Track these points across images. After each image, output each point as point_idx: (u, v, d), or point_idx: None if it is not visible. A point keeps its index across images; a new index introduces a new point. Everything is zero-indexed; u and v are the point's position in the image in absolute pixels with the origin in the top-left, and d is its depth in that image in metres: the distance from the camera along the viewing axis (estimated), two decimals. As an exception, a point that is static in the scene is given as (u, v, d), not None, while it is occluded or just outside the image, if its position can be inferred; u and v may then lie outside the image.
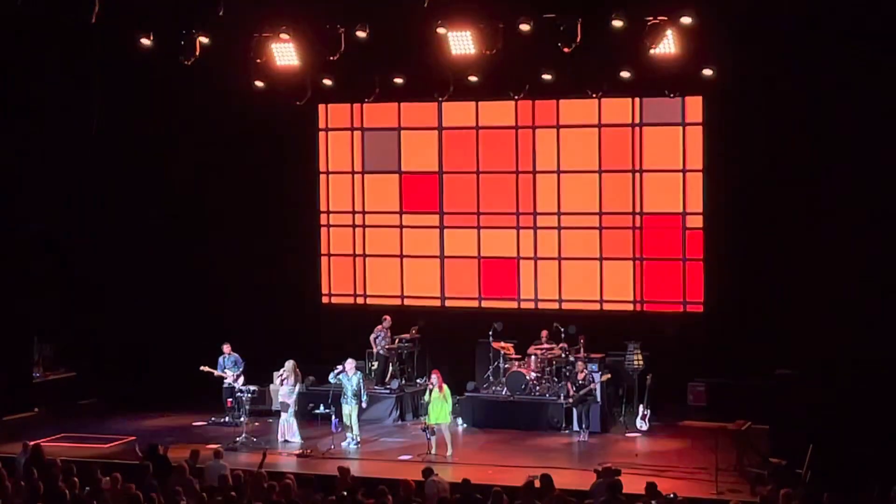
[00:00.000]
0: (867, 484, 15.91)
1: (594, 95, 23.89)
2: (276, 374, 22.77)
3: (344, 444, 21.93)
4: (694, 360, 24.23)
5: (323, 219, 26.97)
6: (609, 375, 23.37)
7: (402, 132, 26.41)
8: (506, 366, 24.15)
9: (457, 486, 16.43)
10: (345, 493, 15.64)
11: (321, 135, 26.85)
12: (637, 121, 24.83)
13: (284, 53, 22.33)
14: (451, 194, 26.18)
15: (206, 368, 23.46)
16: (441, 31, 21.35)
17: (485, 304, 26.02)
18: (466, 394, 24.05)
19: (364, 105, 26.03)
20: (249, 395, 22.94)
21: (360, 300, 26.82)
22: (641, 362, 23.55)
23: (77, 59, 24.70)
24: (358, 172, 26.73)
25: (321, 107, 26.54)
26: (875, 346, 20.25)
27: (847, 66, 21.14)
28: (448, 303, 26.27)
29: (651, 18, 20.53)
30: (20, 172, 25.00)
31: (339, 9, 21.71)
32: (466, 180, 26.07)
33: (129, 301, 26.41)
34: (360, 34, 21.52)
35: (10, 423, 24.19)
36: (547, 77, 22.93)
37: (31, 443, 18.83)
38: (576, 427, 22.67)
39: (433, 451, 21.10)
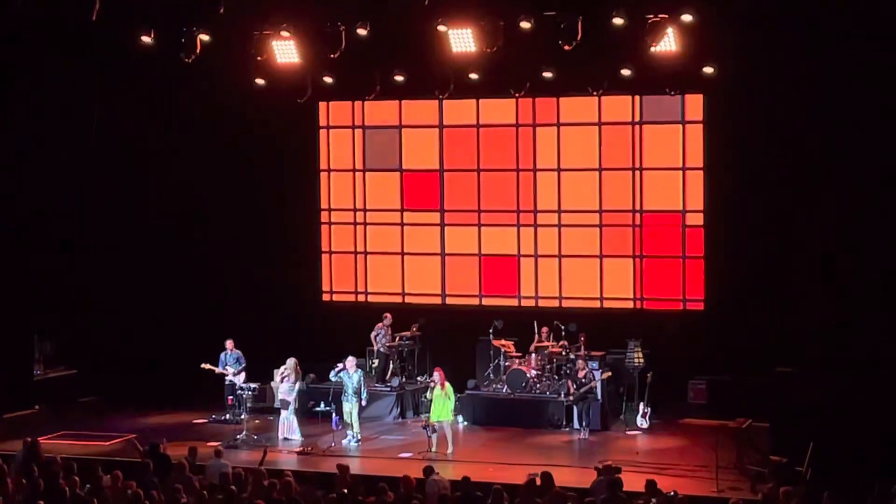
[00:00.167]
0: (867, 482, 15.91)
1: (595, 93, 23.88)
2: (276, 371, 22.76)
3: (344, 441, 21.94)
4: (694, 357, 24.22)
5: (324, 216, 26.97)
6: (609, 373, 23.36)
7: (403, 130, 26.41)
8: (506, 364, 24.15)
9: (457, 484, 16.43)
10: (345, 492, 15.64)
11: (322, 132, 26.85)
12: (637, 119, 24.83)
13: (285, 51, 22.33)
14: (452, 192, 26.18)
15: (207, 366, 23.46)
16: (441, 28, 21.35)
17: (485, 301, 26.03)
18: (467, 391, 24.06)
19: (365, 103, 26.04)
20: (250, 393, 22.96)
21: (360, 298, 26.83)
22: (642, 360, 23.55)
23: (77, 56, 24.68)
24: (359, 170, 26.73)
25: (322, 104, 26.54)
26: (875, 343, 20.26)
27: (848, 64, 21.13)
28: (449, 300, 26.27)
29: (651, 16, 20.51)
30: (20, 170, 24.98)
31: (339, 6, 21.71)
32: (467, 178, 26.07)
33: (130, 299, 26.41)
34: (361, 32, 21.53)
35: (10, 420, 24.22)
36: (547, 75, 22.92)
37: (28, 439, 18.79)
38: (576, 425, 22.69)
39: (434, 449, 21.11)
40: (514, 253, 25.80)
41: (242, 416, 22.58)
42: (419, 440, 21.74)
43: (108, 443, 22.19)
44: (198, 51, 21.84)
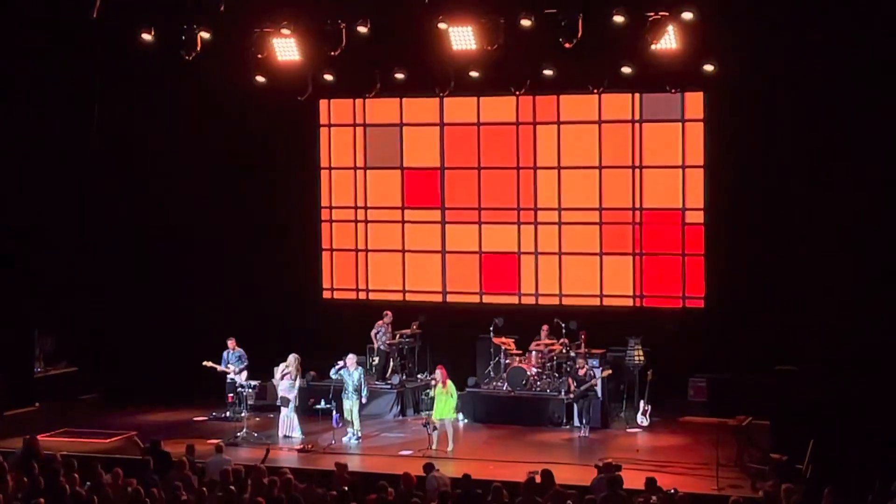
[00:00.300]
0: (868, 479, 15.91)
1: (595, 91, 23.88)
2: (277, 368, 22.75)
3: (345, 439, 21.95)
4: (695, 355, 24.23)
5: (325, 214, 26.97)
6: (610, 371, 23.37)
7: (404, 128, 26.41)
8: (506, 361, 24.16)
9: (458, 482, 16.43)
10: (346, 489, 15.64)
11: (323, 130, 26.85)
12: (637, 117, 24.83)
13: (285, 49, 22.33)
14: (453, 190, 26.18)
15: (210, 363, 23.45)
16: (442, 26, 21.36)
17: (486, 299, 26.03)
18: (467, 389, 24.05)
19: (366, 101, 26.03)
20: (250, 391, 22.98)
21: (362, 295, 26.83)
22: (642, 358, 23.55)
23: (78, 54, 24.68)
24: (360, 168, 26.74)
25: (323, 102, 26.54)
26: (876, 341, 20.24)
27: (849, 61, 21.11)
28: (449, 297, 26.27)
29: (652, 14, 20.52)
30: (20, 167, 24.98)
31: (340, 4, 21.72)
32: (468, 176, 26.07)
33: (130, 296, 26.42)
34: (362, 29, 21.55)
35: (11, 418, 24.22)
36: (548, 72, 22.92)
37: (27, 437, 18.79)
38: (576, 422, 22.69)
39: (434, 447, 21.11)
40: (514, 250, 25.81)
41: (243, 414, 22.60)
42: (419, 438, 21.74)
43: (108, 440, 22.19)
44: (198, 48, 21.86)
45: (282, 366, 22.53)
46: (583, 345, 23.56)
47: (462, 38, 21.42)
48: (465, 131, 26.00)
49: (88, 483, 16.15)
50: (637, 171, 24.91)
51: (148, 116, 25.78)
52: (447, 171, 26.21)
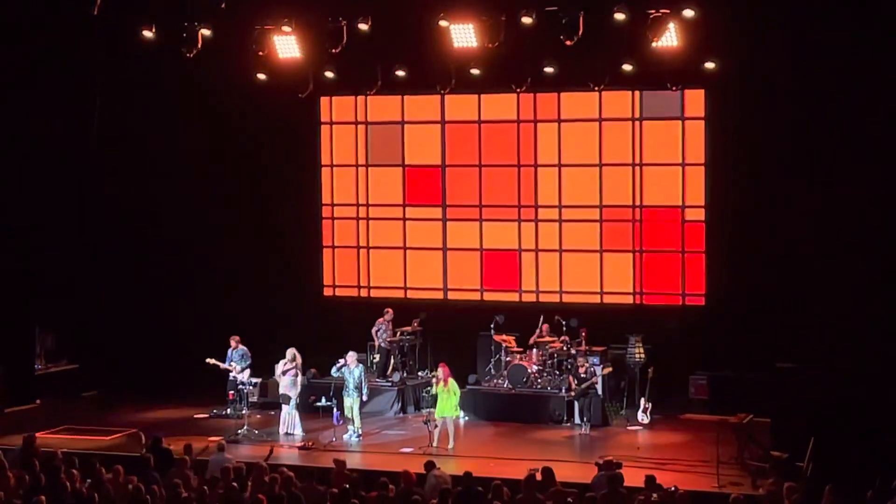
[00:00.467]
0: (868, 477, 15.91)
1: (596, 88, 23.87)
2: (277, 365, 22.73)
3: (345, 436, 21.95)
4: (695, 353, 24.23)
5: (326, 211, 26.97)
6: (610, 368, 23.37)
7: (406, 126, 26.41)
8: (507, 359, 24.16)
9: (458, 479, 16.42)
10: (347, 487, 15.64)
11: (324, 128, 26.85)
12: (637, 115, 24.83)
13: (286, 46, 22.34)
14: (454, 187, 26.19)
15: (213, 361, 23.44)
16: (443, 23, 21.36)
17: (486, 296, 26.03)
18: (468, 387, 24.04)
19: (367, 98, 26.03)
20: (251, 388, 22.97)
21: (363, 292, 26.83)
22: (643, 355, 23.57)
23: (79, 51, 24.67)
24: (362, 165, 26.74)
25: (324, 100, 26.53)
26: (876, 338, 20.24)
27: (850, 58, 21.11)
28: (450, 295, 26.27)
29: (653, 11, 20.54)
30: (21, 164, 24.96)
31: (340, 1, 21.74)
32: (469, 173, 26.08)
33: (131, 293, 26.43)
34: (362, 27, 21.55)
35: (12, 415, 24.22)
36: (549, 70, 22.90)
37: (25, 434, 18.78)
38: (577, 420, 22.69)
39: (435, 444, 21.11)
40: (515, 248, 25.82)
41: (244, 411, 22.60)
42: (420, 435, 21.75)
43: (109, 437, 22.20)
44: (199, 46, 21.87)
45: (281, 362, 22.52)
46: (583, 342, 23.56)
47: (463, 35, 21.43)
48: (467, 129, 26.00)
49: (89, 480, 16.15)
50: (637, 168, 24.92)
51: (148, 114, 25.77)
52: (448, 168, 26.22)
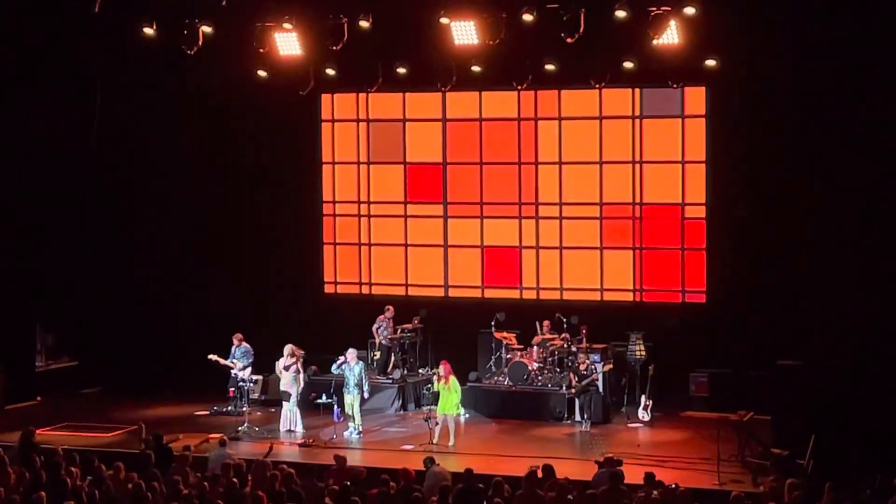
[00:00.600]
0: (869, 475, 15.92)
1: (597, 86, 23.87)
2: (278, 362, 22.73)
3: (346, 433, 21.96)
4: (696, 350, 24.22)
5: (328, 208, 26.96)
6: (611, 366, 23.37)
7: (407, 123, 26.41)
8: (508, 356, 24.17)
9: (459, 476, 16.41)
10: (347, 483, 15.64)
11: (326, 125, 26.84)
12: (638, 113, 24.83)
13: (287, 43, 22.33)
14: (455, 185, 26.19)
15: (215, 357, 23.42)
16: (444, 20, 21.36)
17: (487, 293, 26.04)
18: (468, 384, 24.05)
19: (369, 95, 26.03)
20: (252, 385, 22.97)
21: (364, 289, 26.83)
22: (643, 352, 23.57)
23: (79, 51, 24.68)
24: (363, 163, 26.74)
25: (325, 97, 26.53)
26: (877, 336, 20.24)
27: (851, 56, 21.11)
28: (451, 292, 26.27)
29: (654, 9, 20.53)
30: (22, 162, 24.97)
31: (341, -2, 21.75)
32: (470, 171, 26.09)
33: (132, 290, 26.44)
34: (363, 24, 21.55)
35: (12, 412, 24.24)
36: (550, 67, 22.91)
37: (23, 430, 18.78)
38: (578, 417, 22.69)
39: (435, 441, 21.12)
40: (515, 245, 25.83)
41: (244, 408, 22.61)
42: (421, 432, 21.76)
43: (109, 434, 22.21)
44: (200, 43, 21.87)
45: (281, 360, 22.52)
46: (584, 339, 23.56)
47: (464, 32, 21.43)
48: (468, 127, 26.01)
49: (90, 477, 16.15)
50: (638, 166, 24.92)
51: (149, 111, 25.78)
52: (449, 165, 26.22)
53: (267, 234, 26.62)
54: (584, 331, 23.62)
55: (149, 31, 22.12)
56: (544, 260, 25.67)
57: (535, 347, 23.95)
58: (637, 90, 24.69)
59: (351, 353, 22.17)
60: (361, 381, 22.01)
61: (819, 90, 21.83)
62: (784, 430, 19.36)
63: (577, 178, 25.40)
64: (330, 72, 23.81)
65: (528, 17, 20.86)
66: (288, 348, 22.47)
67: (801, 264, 22.55)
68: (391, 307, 24.90)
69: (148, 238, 26.42)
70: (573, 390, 22.86)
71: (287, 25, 21.90)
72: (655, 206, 24.91)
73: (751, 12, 21.40)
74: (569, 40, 20.55)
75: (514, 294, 25.86)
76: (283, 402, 22.46)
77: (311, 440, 21.64)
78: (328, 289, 27.05)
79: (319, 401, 22.55)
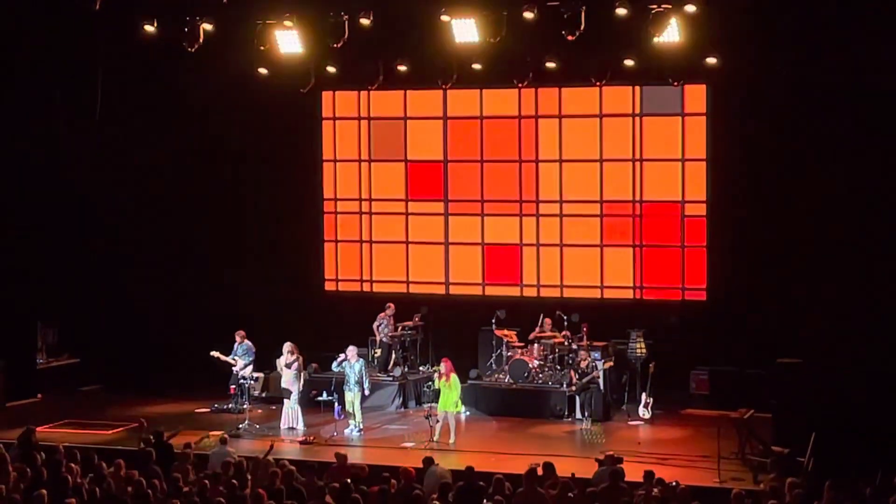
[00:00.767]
0: (869, 473, 15.92)
1: (598, 84, 23.86)
2: (278, 360, 22.72)
3: (347, 431, 21.97)
4: (696, 348, 24.23)
5: (328, 206, 26.97)
6: (612, 363, 23.38)
7: (407, 121, 26.42)
8: (508, 354, 24.17)
9: (460, 474, 16.43)
10: (348, 481, 15.65)
11: (327, 123, 26.85)
12: (638, 110, 24.84)
13: (288, 41, 22.30)
14: (456, 182, 26.20)
15: (216, 354, 23.40)
16: (445, 18, 21.34)
17: (488, 291, 26.04)
18: (469, 381, 24.06)
19: (369, 93, 26.02)
20: (252, 382, 22.98)
21: (365, 287, 26.84)
22: (644, 350, 23.57)
23: (80, 45, 24.67)
24: (364, 160, 26.75)
25: (326, 94, 26.54)
26: (877, 334, 20.27)
27: (851, 54, 21.12)
28: (452, 289, 26.28)
29: (655, 6, 20.51)
30: (22, 159, 24.98)
31: (342, -4, 21.73)
32: (470, 168, 26.10)
33: (132, 288, 26.44)
34: (364, 21, 21.53)
35: (13, 409, 24.25)
36: (551, 65, 22.91)
37: (23, 428, 18.79)
38: (578, 415, 22.70)
39: (436, 438, 21.12)
40: (516, 242, 25.84)
41: (245, 406, 22.62)
42: (422, 430, 21.76)
43: (110, 432, 22.22)
44: (201, 40, 21.85)
45: (282, 357, 22.52)
46: (585, 337, 23.57)
47: (465, 30, 21.40)
48: (468, 124, 26.01)
49: (90, 475, 16.16)
50: (638, 163, 24.93)
51: (150, 108, 25.77)
52: (450, 163, 26.23)
53: (268, 232, 26.63)
54: (584, 328, 23.65)
55: (150, 28, 22.11)
56: (545, 257, 25.68)
57: (536, 345, 23.95)
58: (637, 88, 24.71)
59: (351, 351, 22.18)
60: (362, 378, 22.03)
61: (819, 89, 21.85)
62: (784, 428, 19.35)
63: (578, 176, 25.41)
64: (331, 69, 23.80)
65: (528, 15, 20.84)
66: (288, 346, 22.47)
67: (801, 262, 22.59)
68: (392, 304, 24.91)
69: (148, 235, 26.42)
70: (574, 388, 22.87)
71: (288, 23, 21.88)
72: (656, 203, 24.93)
73: (752, 11, 21.41)
74: (569, 38, 20.53)
75: (514, 291, 25.87)
76: (284, 400, 22.47)
77: (311, 438, 21.65)
78: (329, 286, 27.07)
79: (320, 398, 22.57)
